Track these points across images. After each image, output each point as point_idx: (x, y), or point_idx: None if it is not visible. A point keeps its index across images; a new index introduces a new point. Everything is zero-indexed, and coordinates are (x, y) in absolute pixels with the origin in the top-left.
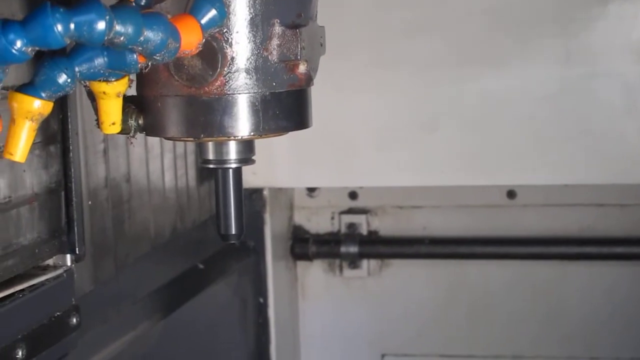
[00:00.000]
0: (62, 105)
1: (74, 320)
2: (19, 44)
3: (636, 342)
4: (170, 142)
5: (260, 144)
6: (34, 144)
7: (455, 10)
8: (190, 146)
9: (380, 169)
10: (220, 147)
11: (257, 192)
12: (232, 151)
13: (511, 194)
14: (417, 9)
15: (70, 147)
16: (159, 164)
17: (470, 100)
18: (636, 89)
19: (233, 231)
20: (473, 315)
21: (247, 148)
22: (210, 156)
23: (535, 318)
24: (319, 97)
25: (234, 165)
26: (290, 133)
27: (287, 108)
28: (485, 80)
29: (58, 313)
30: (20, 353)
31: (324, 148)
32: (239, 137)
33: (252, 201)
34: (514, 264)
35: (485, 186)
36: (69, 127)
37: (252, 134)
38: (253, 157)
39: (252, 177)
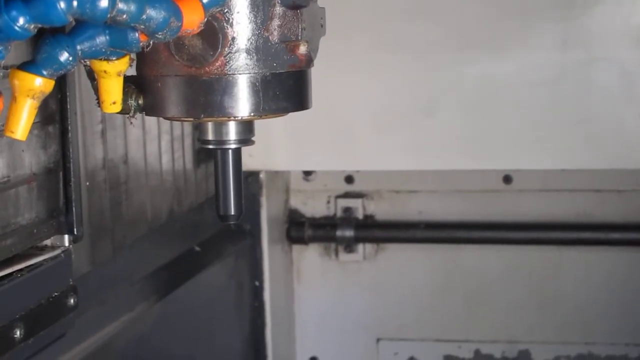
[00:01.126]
0: (60, 85)
1: (72, 300)
2: (21, 20)
3: (632, 327)
4: (168, 124)
5: (257, 126)
6: (32, 124)
7: None
8: (188, 128)
9: (377, 152)
10: (220, 128)
11: (253, 175)
12: (232, 132)
13: (507, 179)
14: None
15: (69, 128)
16: (156, 146)
17: (468, 84)
18: (634, 74)
19: (232, 212)
20: (469, 300)
21: (246, 129)
22: (210, 137)
23: (531, 303)
24: (316, 80)
25: (233, 146)
26: (288, 116)
27: (287, 89)
28: (484, 65)
29: (56, 293)
30: (18, 333)
31: (321, 131)
32: (239, 118)
33: (249, 184)
34: (510, 249)
35: (481, 171)
36: (68, 107)
37: (252, 114)
38: (252, 138)
39: (249, 160)
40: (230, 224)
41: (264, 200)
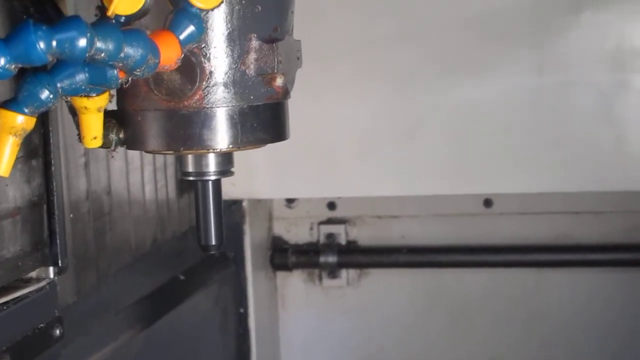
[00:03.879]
0: (43, 120)
1: (57, 331)
2: (2, 61)
3: (613, 347)
4: (150, 155)
5: (239, 155)
6: (16, 158)
7: (434, 21)
8: (170, 158)
9: (359, 179)
10: (199, 160)
11: (236, 203)
12: (212, 163)
13: (488, 202)
14: (397, 20)
15: (52, 161)
16: (139, 176)
17: (448, 109)
18: (610, 97)
19: (213, 242)
20: (452, 322)
21: (226, 160)
22: (190, 168)
23: (514, 325)
24: (297, 107)
25: (213, 178)
26: (269, 145)
27: (264, 121)
28: (463, 90)
29: (41, 325)
30: None
31: (303, 159)
32: (218, 150)
33: (232, 212)
34: (492, 271)
35: (462, 195)
36: (51, 141)
37: (230, 146)
38: (232, 169)
39: (231, 189)
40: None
41: (247, 228)
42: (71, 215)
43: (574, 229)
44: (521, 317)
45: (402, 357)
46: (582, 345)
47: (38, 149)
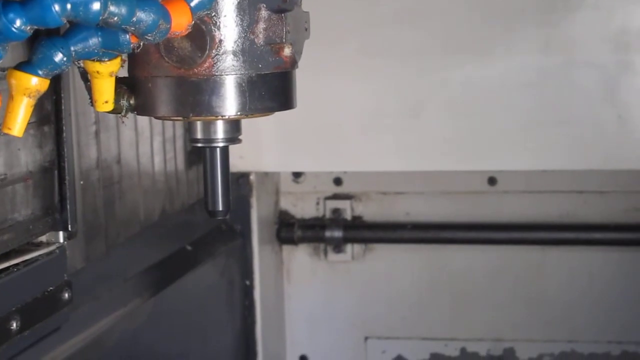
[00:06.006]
0: (55, 87)
1: (66, 295)
2: (18, 22)
3: (614, 326)
4: (159, 125)
5: (247, 128)
6: (28, 123)
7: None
8: (179, 130)
9: (366, 154)
10: (208, 127)
11: (244, 176)
12: (220, 130)
13: (492, 180)
14: None
15: (64, 128)
16: (149, 147)
17: (453, 87)
18: (614, 77)
19: (220, 207)
20: (455, 299)
21: (234, 127)
22: (199, 135)
23: (516, 302)
24: (306, 83)
25: (221, 144)
26: (278, 118)
27: (272, 89)
28: (469, 68)
29: (51, 288)
30: (14, 325)
31: (311, 133)
32: (226, 117)
33: (239, 186)
34: (495, 249)
35: (466, 173)
36: (62, 108)
37: (238, 113)
38: (240, 137)
39: (239, 161)
40: (221, 225)
41: (254, 202)
42: (81, 182)
43: (578, 208)
44: (524, 295)
45: (406, 332)
46: (584, 324)
47: (50, 115)
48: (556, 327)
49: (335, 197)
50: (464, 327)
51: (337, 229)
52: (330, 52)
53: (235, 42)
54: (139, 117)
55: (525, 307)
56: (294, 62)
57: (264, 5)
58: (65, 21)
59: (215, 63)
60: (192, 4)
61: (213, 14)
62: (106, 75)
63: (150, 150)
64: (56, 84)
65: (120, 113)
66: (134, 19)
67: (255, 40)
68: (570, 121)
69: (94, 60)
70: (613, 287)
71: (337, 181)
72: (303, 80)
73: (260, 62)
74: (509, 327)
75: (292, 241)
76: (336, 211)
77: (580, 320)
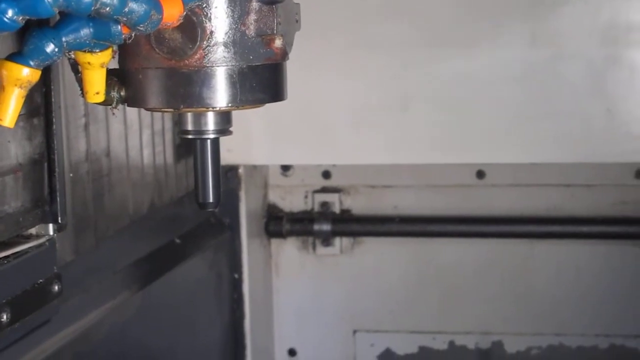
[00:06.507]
0: (45, 79)
1: (56, 287)
2: (10, 12)
3: (601, 319)
4: (149, 118)
5: (236, 122)
6: (18, 116)
7: None
8: (168, 123)
9: (354, 147)
10: (198, 118)
11: (232, 169)
12: (210, 122)
13: (480, 174)
14: None
15: (54, 120)
16: (138, 140)
17: (441, 81)
18: (601, 70)
19: (210, 199)
20: (443, 292)
21: (224, 119)
22: (189, 127)
23: (504, 295)
24: (294, 77)
25: (212, 136)
26: (266, 111)
27: (263, 81)
28: (456, 62)
29: (40, 280)
30: (4, 317)
31: (299, 127)
32: (217, 108)
33: (228, 179)
34: (483, 242)
35: (454, 166)
36: (52, 100)
37: (229, 105)
38: (230, 129)
39: (228, 154)
40: (210, 218)
41: (242, 195)
42: (71, 175)
43: (566, 202)
44: (512, 288)
45: (394, 325)
46: (572, 317)
47: (40, 107)
48: (544, 320)
49: (324, 190)
50: (452, 320)
51: (326, 222)
52: (319, 46)
53: (226, 33)
54: (128, 110)
55: (513, 301)
56: (284, 54)
57: None
58: (57, 12)
59: (206, 54)
60: None
61: (204, 5)
62: (97, 66)
63: (139, 143)
64: (46, 76)
65: (110, 105)
66: (126, 9)
67: (246, 31)
68: (557, 114)
69: (85, 51)
70: (600, 281)
71: (326, 174)
72: (292, 74)
73: (251, 54)
74: (497, 320)
75: (281, 234)
76: (325, 204)
77: (567, 313)
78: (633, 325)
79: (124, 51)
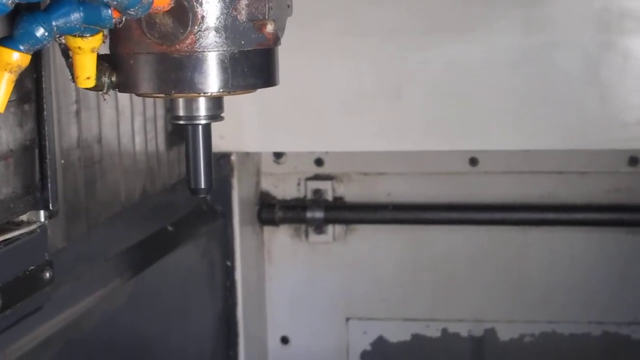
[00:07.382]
0: (36, 65)
1: (47, 274)
2: None
3: (594, 307)
4: (140, 105)
5: (228, 108)
6: (9, 101)
7: None
8: (160, 110)
9: (347, 134)
10: (190, 104)
11: (225, 157)
12: (202, 108)
13: (473, 161)
14: None
15: (45, 106)
16: (130, 126)
17: (434, 67)
18: (595, 57)
19: (202, 185)
20: (436, 279)
21: (216, 105)
22: (181, 113)
23: (497, 283)
24: (287, 63)
25: (203, 122)
26: (258, 98)
27: (255, 66)
28: (450, 48)
29: (32, 267)
30: None
31: (292, 114)
32: (209, 94)
33: (220, 166)
34: (476, 229)
35: (448, 153)
36: (43, 86)
37: (221, 90)
38: (222, 114)
39: (220, 141)
40: (202, 205)
41: (235, 182)
42: (62, 162)
43: (559, 189)
44: (506, 275)
45: (387, 313)
46: (565, 304)
47: (31, 93)
48: (537, 307)
49: (317, 177)
50: (445, 308)
51: (318, 209)
52: (312, 32)
53: (217, 18)
54: (120, 96)
55: (506, 288)
56: (276, 39)
57: None
58: None
59: (197, 39)
60: None
61: None
62: (88, 51)
63: (131, 129)
64: (37, 62)
65: (101, 90)
66: None
67: (238, 16)
68: (551, 101)
69: (75, 35)
70: (594, 268)
71: (319, 162)
72: (284, 61)
73: (243, 39)
74: (490, 308)
75: (273, 222)
76: (317, 192)
77: (560, 300)
78: (626, 313)
79: (115, 36)
